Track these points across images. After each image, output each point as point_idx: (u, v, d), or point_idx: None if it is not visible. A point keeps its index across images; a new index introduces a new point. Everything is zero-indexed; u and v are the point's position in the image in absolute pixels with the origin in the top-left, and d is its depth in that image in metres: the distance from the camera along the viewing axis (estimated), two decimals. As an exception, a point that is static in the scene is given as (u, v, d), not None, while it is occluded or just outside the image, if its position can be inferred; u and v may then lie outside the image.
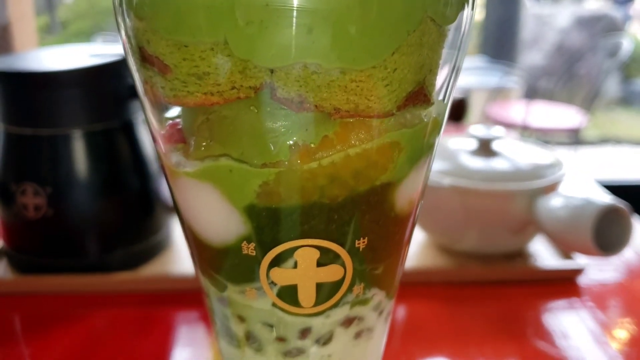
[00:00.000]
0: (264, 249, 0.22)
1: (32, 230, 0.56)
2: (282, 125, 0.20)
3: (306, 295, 0.23)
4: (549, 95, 3.24)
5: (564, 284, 0.60)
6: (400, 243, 0.24)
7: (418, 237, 0.67)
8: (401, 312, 0.56)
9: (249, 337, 0.24)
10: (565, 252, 0.63)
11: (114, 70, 0.56)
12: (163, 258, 0.62)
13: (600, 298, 0.58)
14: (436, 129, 0.22)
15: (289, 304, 0.23)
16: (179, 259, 0.62)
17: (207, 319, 0.55)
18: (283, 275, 0.22)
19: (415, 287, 0.59)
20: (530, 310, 0.56)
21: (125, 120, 0.57)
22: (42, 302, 0.57)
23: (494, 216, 0.58)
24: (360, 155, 0.20)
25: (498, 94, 2.90)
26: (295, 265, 0.22)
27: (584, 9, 4.56)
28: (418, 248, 0.65)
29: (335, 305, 0.23)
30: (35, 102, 0.54)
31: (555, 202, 0.54)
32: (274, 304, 0.23)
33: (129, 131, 0.58)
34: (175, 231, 0.66)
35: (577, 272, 0.60)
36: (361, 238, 0.22)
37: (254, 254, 0.22)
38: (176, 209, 0.24)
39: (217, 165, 0.20)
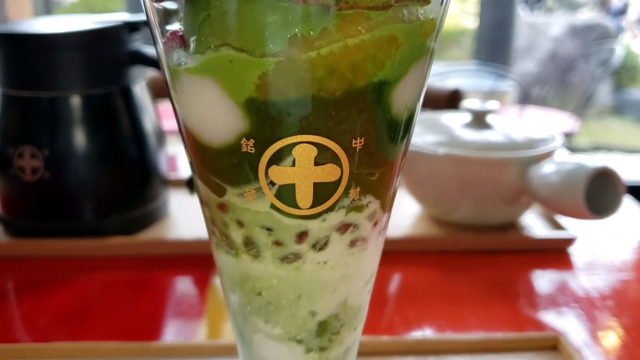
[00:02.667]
0: (262, 145, 0.22)
1: (29, 193, 0.57)
2: (282, 18, 0.20)
3: (303, 195, 0.23)
4: (541, 102, 3.27)
5: (555, 254, 0.60)
6: (396, 151, 0.25)
7: (413, 209, 0.68)
8: (396, 278, 0.57)
9: (247, 243, 0.25)
10: (558, 216, 0.64)
11: (114, 35, 0.56)
12: (159, 226, 0.62)
13: (590, 266, 0.59)
14: (433, 31, 0.23)
15: (286, 205, 0.23)
16: (175, 228, 0.63)
17: (201, 283, 0.55)
18: (281, 174, 0.23)
19: (410, 255, 0.60)
20: (523, 277, 0.57)
21: (124, 86, 0.58)
22: (36, 266, 0.57)
23: (488, 186, 0.59)
24: (359, 47, 0.21)
25: (491, 97, 2.92)
26: (293, 164, 0.22)
27: (578, 19, 4.61)
28: (413, 219, 0.66)
29: (332, 209, 0.24)
30: (34, 65, 0.55)
31: (547, 168, 0.55)
32: (272, 206, 0.23)
33: (128, 97, 0.58)
34: (172, 201, 0.67)
35: (569, 241, 0.60)
36: (358, 138, 0.23)
37: (253, 151, 0.22)
38: (176, 117, 0.25)
39: (217, 56, 0.21)
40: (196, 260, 0.58)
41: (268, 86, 0.21)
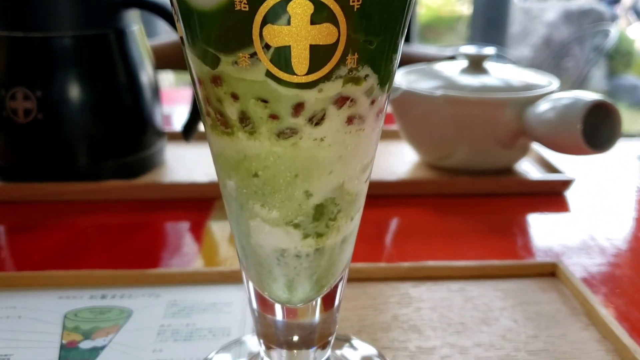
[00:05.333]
0: (256, 1, 0.22)
1: (22, 136, 0.56)
2: None
3: (299, 59, 0.23)
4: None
5: (552, 197, 0.60)
6: (395, 22, 0.24)
7: (409, 157, 0.67)
8: (394, 220, 0.57)
9: (243, 119, 0.24)
10: (554, 161, 0.63)
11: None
12: (154, 173, 0.62)
13: (586, 209, 0.59)
14: None
15: (282, 71, 0.23)
16: (171, 174, 0.62)
17: (197, 226, 0.55)
18: (276, 34, 0.22)
19: (406, 198, 0.59)
20: (520, 219, 0.57)
21: (118, 28, 0.57)
22: (31, 210, 0.57)
23: (485, 128, 0.59)
24: None
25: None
26: (288, 22, 0.22)
27: (572, 4, 4.60)
28: (409, 167, 0.65)
29: (328, 78, 0.23)
30: (26, 5, 0.54)
31: (543, 106, 0.55)
32: (267, 73, 0.23)
33: (122, 39, 0.58)
34: (168, 152, 0.66)
35: (566, 183, 0.60)
36: (355, -4, 0.22)
37: (247, 8, 0.22)
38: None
39: None
40: (192, 204, 0.58)
41: None
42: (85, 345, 0.36)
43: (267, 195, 0.26)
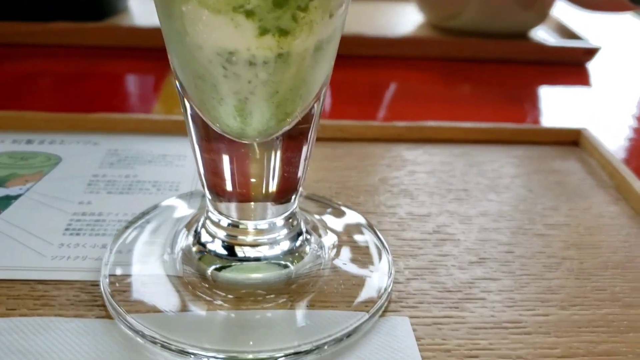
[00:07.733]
0: None
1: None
2: None
3: None
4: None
5: (573, 67, 0.52)
6: None
7: (414, 17, 0.58)
8: (392, 84, 0.49)
9: None
10: (575, 28, 0.55)
11: None
12: (114, 19, 0.53)
13: (609, 80, 0.51)
14: None
15: None
16: (131, 20, 0.53)
17: (155, 81, 0.47)
18: None
19: (408, 60, 0.51)
20: (535, 87, 0.49)
21: None
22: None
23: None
24: None
25: None
26: None
27: None
28: (413, 27, 0.57)
29: None
30: None
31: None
32: None
33: None
34: (133, 5, 0.57)
35: (590, 52, 0.52)
36: None
37: None
38: None
39: None
40: (154, 54, 0.49)
41: None
42: (-4, 193, 0.29)
43: (205, -39, 0.18)
